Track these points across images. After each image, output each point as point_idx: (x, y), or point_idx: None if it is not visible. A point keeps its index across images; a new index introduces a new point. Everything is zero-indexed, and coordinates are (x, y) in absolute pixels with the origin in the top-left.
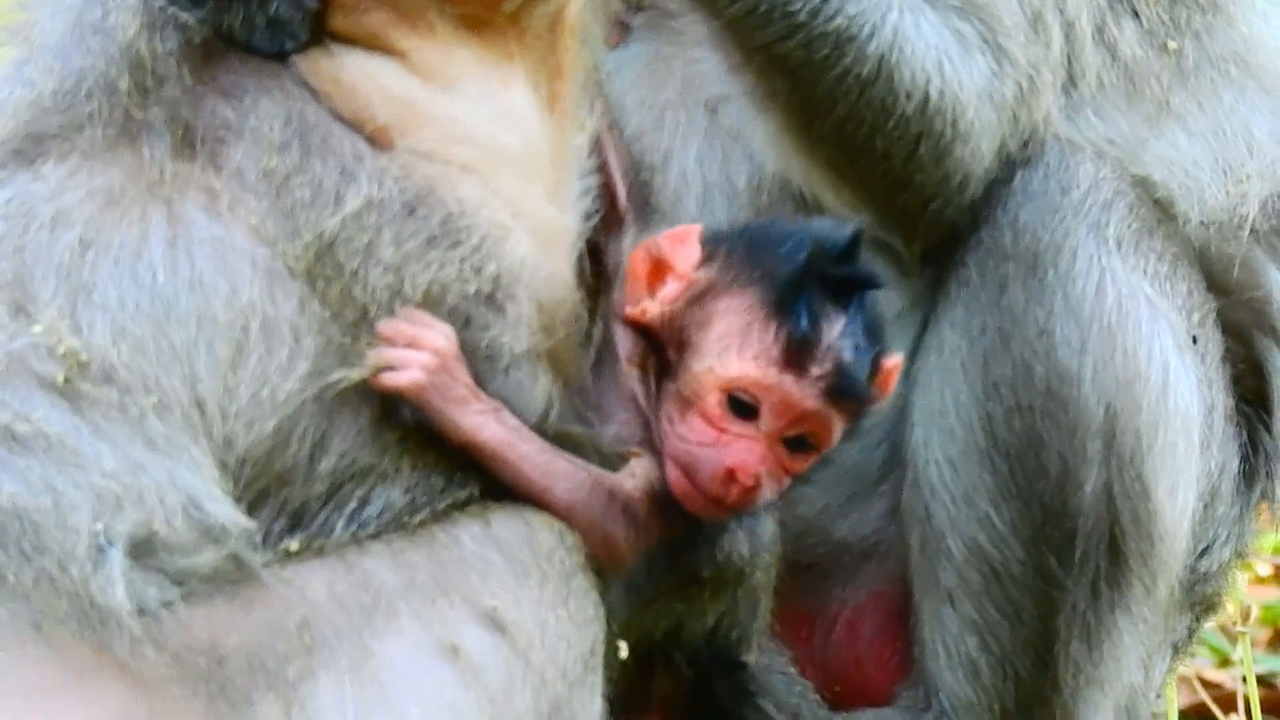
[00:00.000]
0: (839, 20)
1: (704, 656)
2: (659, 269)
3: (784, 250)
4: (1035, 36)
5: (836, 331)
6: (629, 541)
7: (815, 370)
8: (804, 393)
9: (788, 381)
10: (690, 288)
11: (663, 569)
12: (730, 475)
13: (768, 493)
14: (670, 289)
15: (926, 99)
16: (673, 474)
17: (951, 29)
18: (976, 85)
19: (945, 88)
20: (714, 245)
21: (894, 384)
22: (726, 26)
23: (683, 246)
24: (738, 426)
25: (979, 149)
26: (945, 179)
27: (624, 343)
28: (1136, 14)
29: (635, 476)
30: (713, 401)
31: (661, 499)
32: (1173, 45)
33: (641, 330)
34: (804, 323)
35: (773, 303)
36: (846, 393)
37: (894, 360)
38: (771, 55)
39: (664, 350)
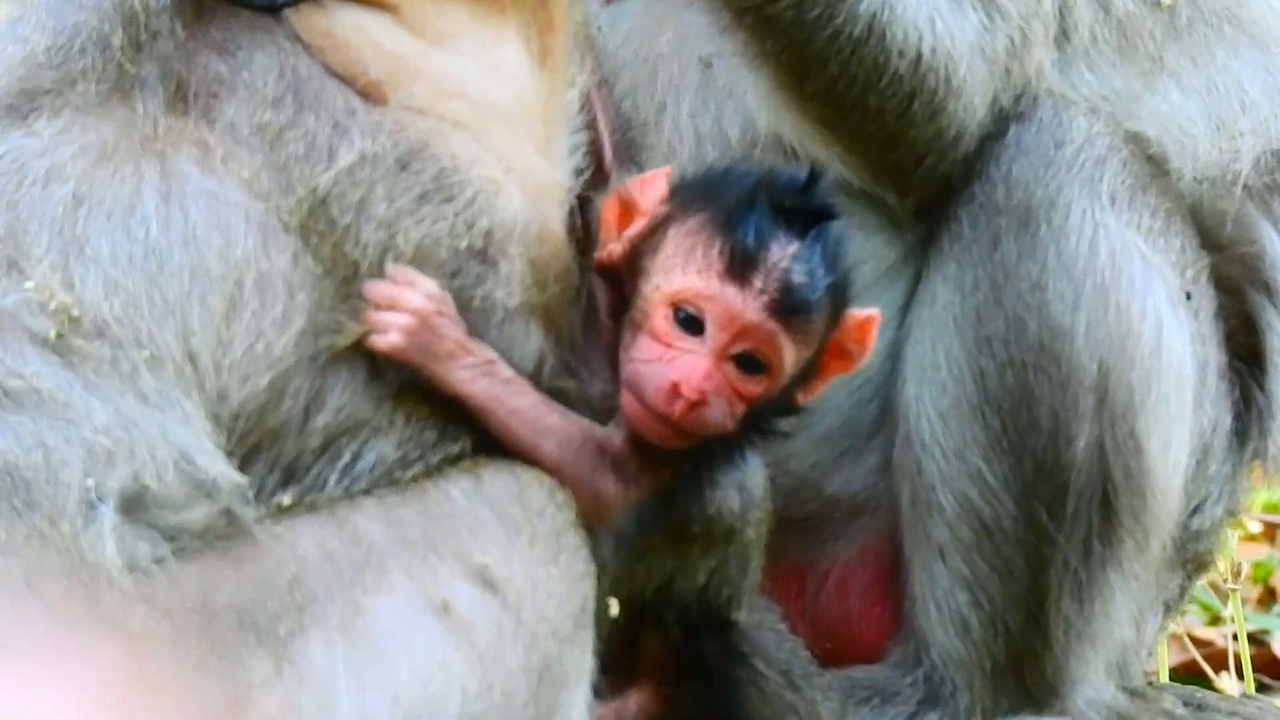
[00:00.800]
0: None
1: (694, 616)
2: (627, 211)
3: (736, 180)
4: None
5: (786, 252)
6: (618, 495)
7: (758, 283)
8: (747, 304)
9: (730, 292)
10: (650, 221)
11: (653, 523)
12: (675, 390)
13: (718, 413)
14: (634, 227)
15: (919, 57)
16: (625, 399)
17: None
18: (968, 40)
19: (937, 45)
20: (678, 184)
21: (872, 337)
22: None
23: (650, 187)
24: (684, 342)
25: (971, 103)
26: (939, 134)
27: (600, 294)
28: None
29: (624, 429)
30: (659, 317)
31: (650, 450)
32: (1166, 1)
33: (610, 275)
34: (749, 237)
35: (719, 221)
36: (792, 306)
37: (870, 313)
38: (762, 16)
39: (625, 288)
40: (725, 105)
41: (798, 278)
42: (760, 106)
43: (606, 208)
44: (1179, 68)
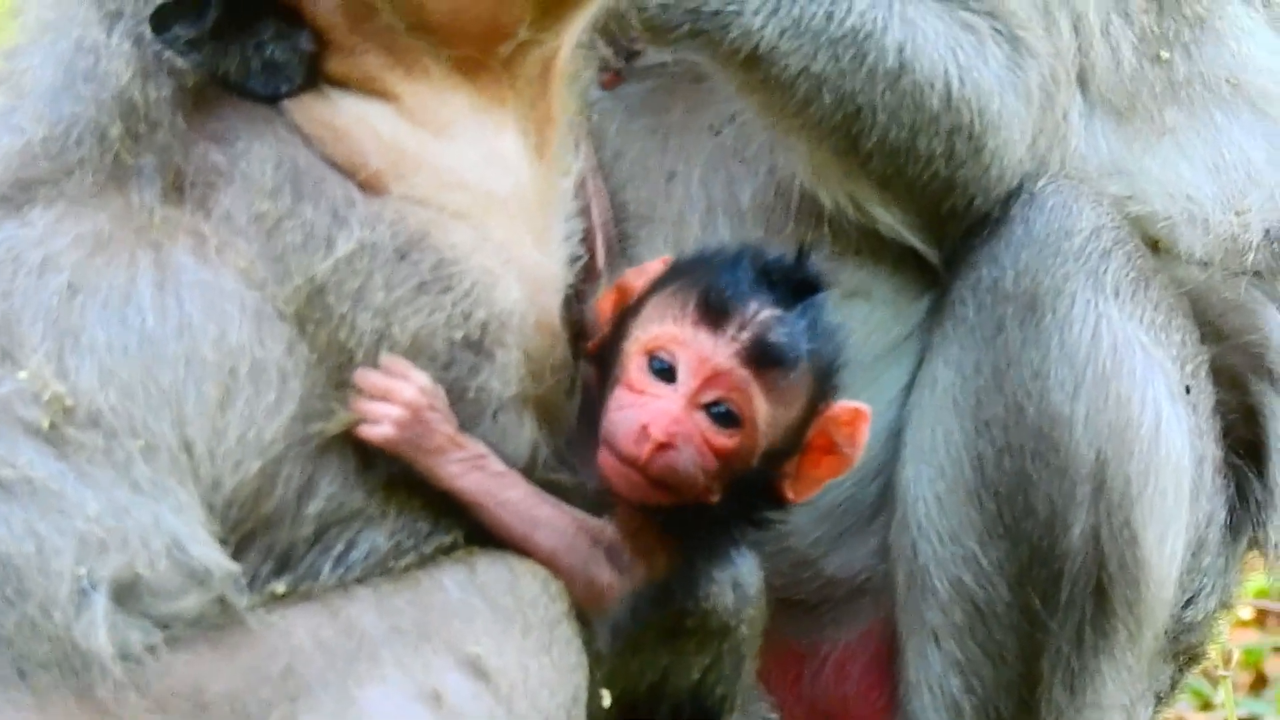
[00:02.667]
0: (852, 19)
1: (687, 716)
2: (623, 298)
3: (724, 252)
4: (1048, 29)
5: (766, 310)
6: (613, 584)
7: (732, 330)
8: (718, 348)
9: (702, 336)
10: (638, 295)
11: (648, 614)
12: (644, 431)
13: (688, 461)
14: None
15: (949, 88)
16: (600, 453)
17: (956, 19)
18: (995, 74)
19: (964, 76)
20: (669, 265)
21: (863, 434)
22: (756, 74)
23: (645, 274)
24: (656, 388)
25: (1010, 139)
26: (985, 171)
27: (593, 385)
28: (1131, 21)
29: (623, 522)
30: (634, 367)
31: (647, 545)
32: (1164, 56)
33: (600, 360)
34: (727, 289)
35: (702, 279)
36: (766, 357)
37: (860, 406)
38: (809, 76)
39: (611, 363)
40: (737, 171)
41: (775, 333)
42: (802, 176)
43: (603, 299)
44: (1179, 130)
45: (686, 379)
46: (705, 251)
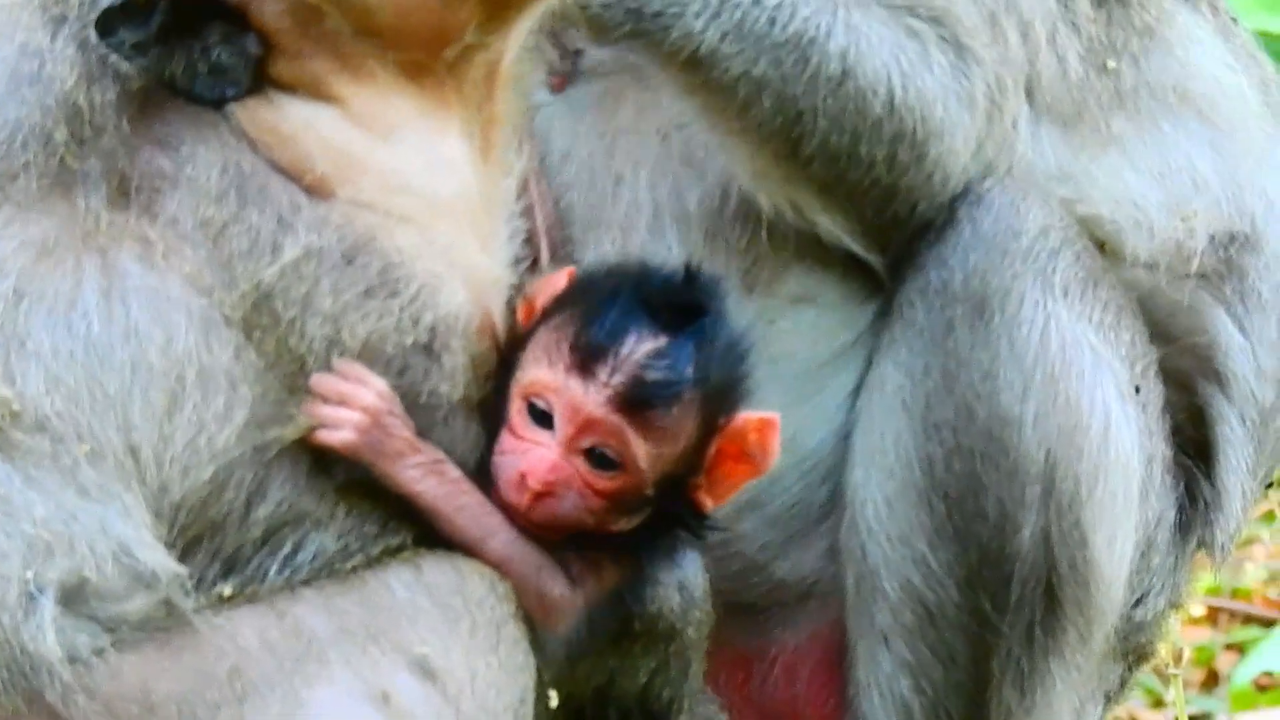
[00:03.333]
0: (795, 24)
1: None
2: (530, 311)
3: (611, 276)
4: (994, 37)
5: (641, 347)
6: (564, 599)
7: (604, 376)
8: (590, 398)
9: (574, 384)
10: (533, 319)
11: (597, 625)
12: (522, 480)
13: (569, 506)
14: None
15: (891, 94)
16: (493, 492)
17: (901, 25)
18: (939, 81)
19: (907, 83)
20: (569, 282)
21: (774, 442)
22: (697, 75)
23: (549, 287)
24: (534, 434)
25: (954, 146)
26: (928, 179)
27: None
28: (1079, 30)
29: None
30: (515, 411)
31: (594, 556)
32: (1111, 65)
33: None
34: (600, 331)
35: (580, 316)
36: (639, 401)
37: (769, 416)
38: (750, 80)
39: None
40: (683, 175)
41: (651, 373)
42: (734, 176)
43: (520, 307)
44: (1125, 138)
45: (562, 426)
46: (595, 273)
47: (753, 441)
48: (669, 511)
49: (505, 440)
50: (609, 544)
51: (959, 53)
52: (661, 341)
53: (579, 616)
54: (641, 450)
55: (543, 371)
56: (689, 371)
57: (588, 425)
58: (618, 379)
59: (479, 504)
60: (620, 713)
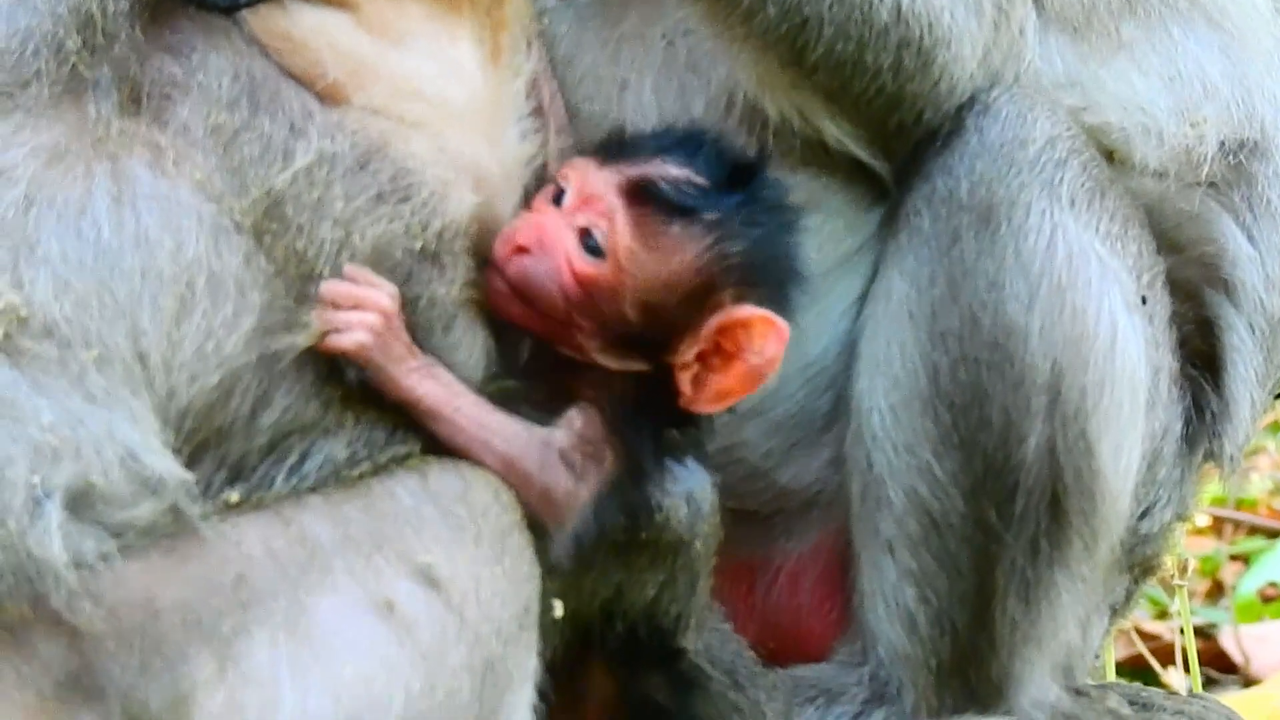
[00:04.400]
0: None
1: (641, 644)
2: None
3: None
4: None
5: (668, 165)
6: (569, 492)
7: (623, 164)
8: (601, 175)
9: (592, 165)
10: None
11: (604, 523)
12: (510, 236)
13: (542, 270)
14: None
15: (898, 2)
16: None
17: None
18: None
19: None
20: None
21: (771, 345)
22: None
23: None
24: (543, 207)
25: (961, 54)
26: (934, 86)
27: None
28: None
29: (570, 427)
30: (541, 194)
31: (594, 444)
32: None
33: None
34: (644, 137)
35: (636, 134)
36: (640, 194)
37: (773, 319)
38: None
39: None
40: (689, 81)
41: (661, 176)
42: (747, 86)
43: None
44: (1135, 44)
45: (567, 200)
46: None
47: (751, 339)
48: (655, 395)
49: (518, 218)
50: (607, 403)
51: None
52: (700, 179)
53: (585, 509)
54: (627, 244)
55: (578, 157)
56: (713, 210)
57: (588, 200)
58: (634, 170)
59: (477, 405)
60: (627, 627)
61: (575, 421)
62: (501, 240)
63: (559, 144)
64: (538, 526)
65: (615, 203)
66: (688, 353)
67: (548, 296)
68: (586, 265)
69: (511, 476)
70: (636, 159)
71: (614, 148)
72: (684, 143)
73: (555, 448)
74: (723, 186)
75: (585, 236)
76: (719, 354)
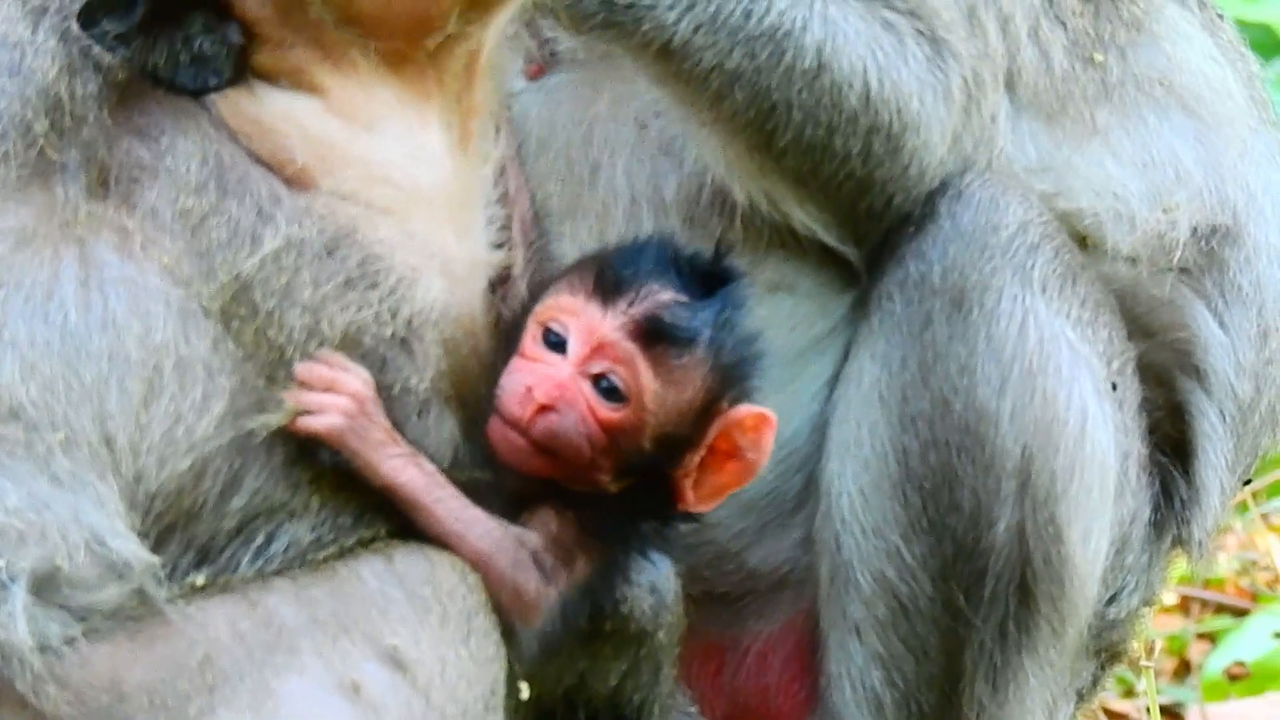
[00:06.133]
0: (771, 17)
1: None
2: None
3: (638, 240)
4: (973, 31)
5: (667, 293)
6: (539, 592)
7: (624, 304)
8: (606, 319)
9: (593, 307)
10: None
11: (570, 618)
12: (528, 393)
13: (570, 426)
14: None
15: (867, 88)
16: (490, 422)
17: (878, 18)
18: (915, 74)
19: (883, 76)
20: None
21: (768, 440)
22: (670, 65)
23: None
24: (548, 357)
25: (930, 140)
26: (904, 172)
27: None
28: (1064, 24)
29: (545, 529)
30: (529, 339)
31: (566, 548)
32: (1098, 58)
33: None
34: (627, 268)
35: (609, 254)
36: (656, 333)
37: (765, 412)
38: (723, 73)
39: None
40: (661, 164)
41: (668, 312)
42: (709, 165)
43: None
44: (1109, 129)
45: (574, 347)
46: (626, 241)
47: (748, 437)
48: (648, 495)
49: (515, 363)
50: (587, 508)
51: (935, 46)
52: (684, 296)
53: (553, 610)
54: (650, 386)
55: (563, 297)
56: (707, 328)
57: (601, 348)
58: (638, 309)
59: (455, 497)
60: (590, 715)
61: (550, 524)
62: (515, 399)
63: (522, 232)
64: (510, 624)
65: (630, 347)
66: (692, 462)
67: (574, 449)
68: (610, 412)
69: (484, 572)
70: (629, 294)
71: (608, 285)
72: (660, 261)
73: (528, 548)
74: (701, 297)
75: (600, 381)
76: (715, 454)
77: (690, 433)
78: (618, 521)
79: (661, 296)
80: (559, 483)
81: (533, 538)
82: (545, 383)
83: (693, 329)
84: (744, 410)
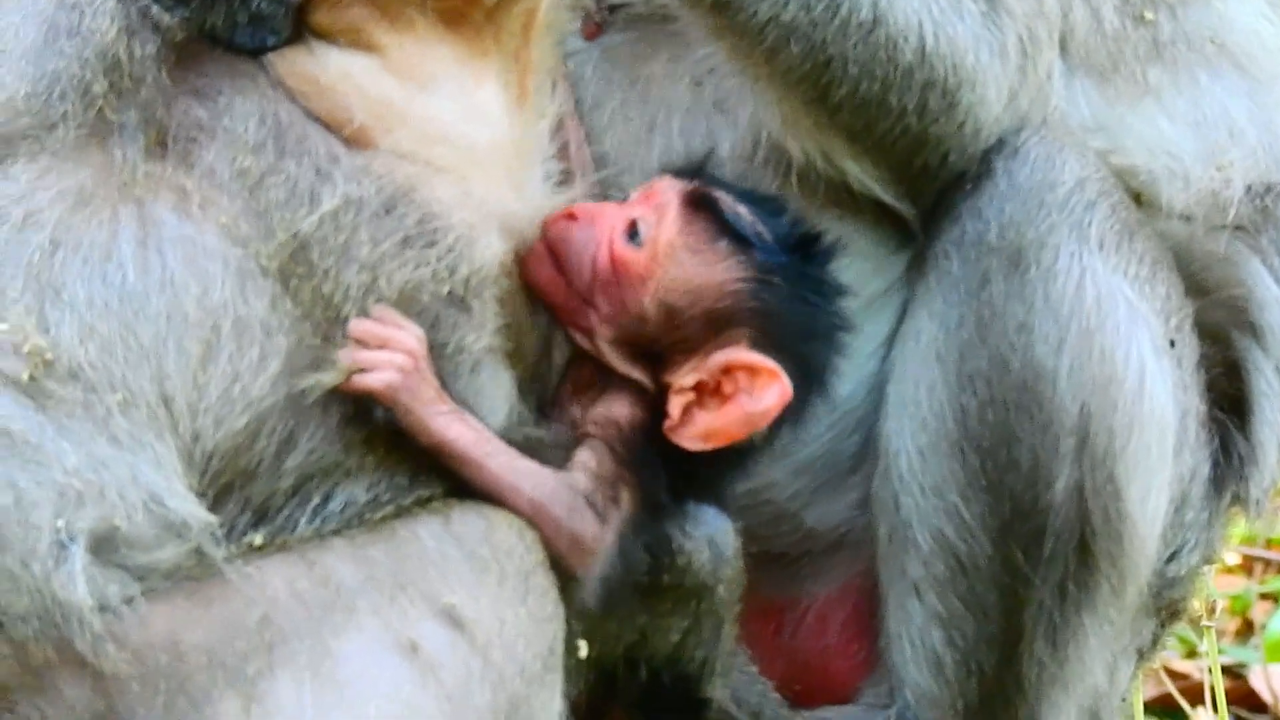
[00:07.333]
0: None
1: (665, 692)
2: None
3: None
4: None
5: (744, 205)
6: (595, 538)
7: (701, 185)
8: (673, 184)
9: (667, 177)
10: None
11: (627, 564)
12: (568, 209)
13: (583, 244)
14: None
15: (923, 42)
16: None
17: None
18: (971, 30)
19: (938, 31)
20: None
21: (768, 393)
22: (725, 18)
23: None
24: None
25: (986, 96)
26: (959, 128)
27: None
28: None
29: (586, 468)
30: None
31: (610, 482)
32: (1149, 16)
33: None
34: (725, 188)
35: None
36: (702, 203)
37: (776, 370)
38: (779, 25)
39: None
40: (716, 121)
41: (732, 204)
42: (772, 127)
43: None
44: (1161, 87)
45: (632, 197)
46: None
47: (754, 381)
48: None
49: None
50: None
51: (990, 3)
52: (765, 228)
53: (611, 552)
54: (669, 239)
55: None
56: (760, 246)
57: (649, 197)
58: (706, 189)
59: (505, 451)
60: (651, 674)
61: (589, 462)
62: (555, 217)
63: (584, 187)
64: (563, 570)
65: (672, 201)
66: (688, 376)
67: (578, 265)
68: (625, 249)
69: (540, 522)
70: (716, 185)
71: (700, 171)
72: (766, 201)
73: (579, 490)
74: (784, 246)
75: (632, 226)
76: (717, 394)
77: (694, 327)
78: (646, 453)
79: (740, 206)
80: (563, 325)
81: (580, 479)
82: (589, 205)
83: (744, 230)
84: (758, 357)
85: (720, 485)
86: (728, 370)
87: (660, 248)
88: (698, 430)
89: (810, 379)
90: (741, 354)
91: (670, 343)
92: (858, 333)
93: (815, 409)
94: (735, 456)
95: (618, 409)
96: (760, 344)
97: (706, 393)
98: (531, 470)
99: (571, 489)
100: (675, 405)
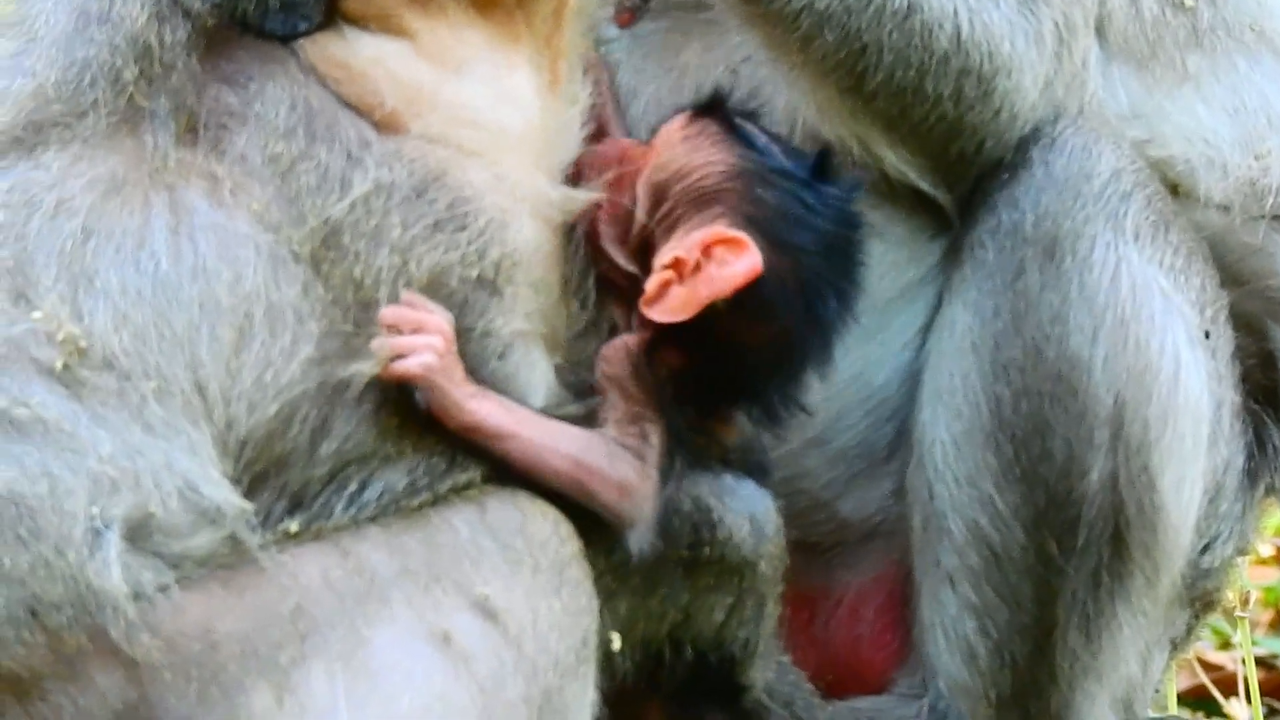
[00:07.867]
0: None
1: (704, 681)
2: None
3: None
4: None
5: (781, 145)
6: (641, 480)
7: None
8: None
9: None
10: None
11: (670, 509)
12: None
13: (606, 149)
14: None
15: (958, 29)
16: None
17: None
18: (1006, 17)
19: (974, 18)
20: None
21: (732, 262)
22: (758, 6)
23: None
24: None
25: (1021, 83)
26: (995, 115)
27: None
28: None
29: (609, 416)
30: None
31: (635, 416)
32: (1188, 3)
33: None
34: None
35: None
36: (713, 105)
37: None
38: (813, 13)
39: None
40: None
41: (739, 113)
42: (808, 115)
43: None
44: (1200, 75)
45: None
46: None
47: (719, 248)
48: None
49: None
50: (614, 351)
51: None
52: (786, 158)
53: (657, 494)
54: (670, 131)
55: None
56: (759, 146)
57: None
58: (716, 102)
59: (535, 418)
60: (696, 657)
61: (609, 412)
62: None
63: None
64: (607, 534)
65: (686, 114)
66: (668, 254)
67: (602, 161)
68: (632, 145)
69: (586, 476)
70: (742, 122)
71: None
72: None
73: (612, 439)
74: (797, 163)
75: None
76: (692, 266)
77: (680, 212)
78: (651, 377)
79: (754, 126)
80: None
81: (607, 430)
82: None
83: (746, 133)
84: (731, 230)
85: (768, 464)
86: (706, 250)
87: (660, 140)
88: (670, 303)
89: (807, 285)
90: (719, 229)
91: (660, 227)
92: (892, 321)
93: (822, 336)
94: (736, 374)
95: (625, 339)
96: (742, 226)
97: (685, 268)
98: (564, 429)
99: (604, 438)
100: (653, 281)
